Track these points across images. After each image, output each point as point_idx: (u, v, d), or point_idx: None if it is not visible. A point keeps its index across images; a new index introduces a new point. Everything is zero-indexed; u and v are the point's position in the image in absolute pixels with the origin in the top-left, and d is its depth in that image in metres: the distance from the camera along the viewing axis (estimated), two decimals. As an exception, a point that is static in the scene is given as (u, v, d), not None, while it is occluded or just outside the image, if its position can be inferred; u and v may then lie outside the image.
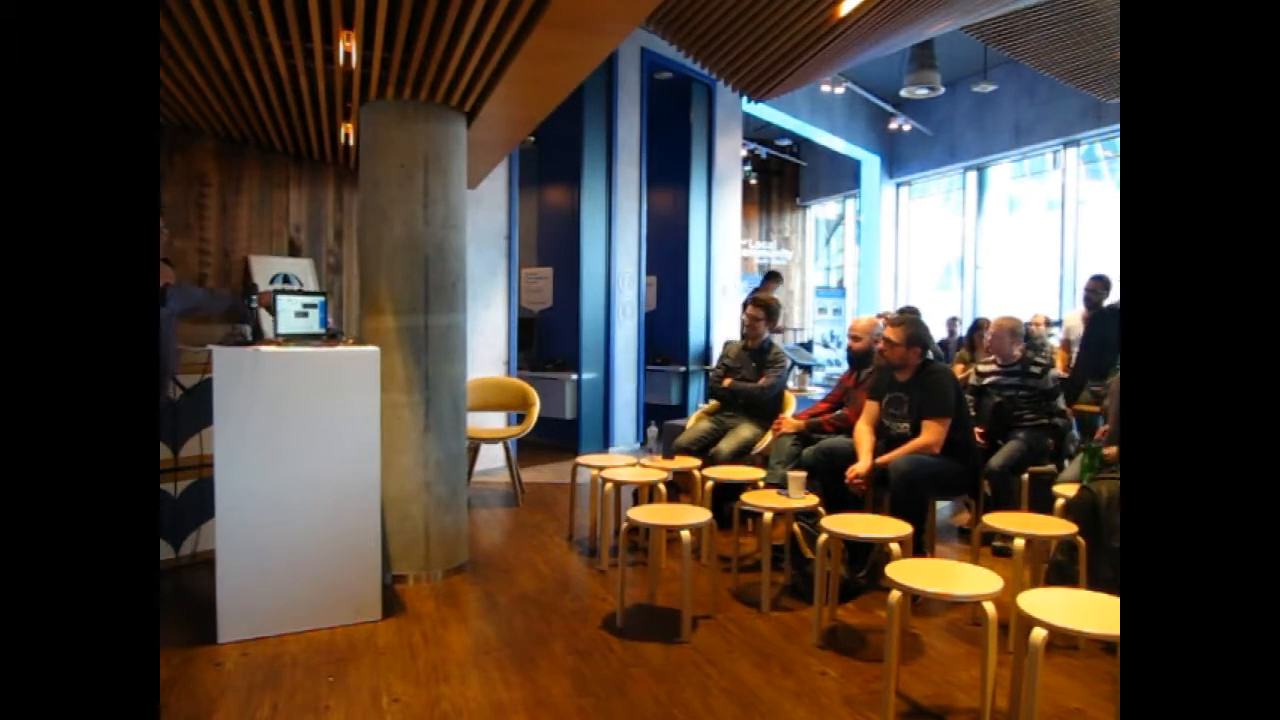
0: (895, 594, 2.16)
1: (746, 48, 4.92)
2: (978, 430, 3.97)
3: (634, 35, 6.26)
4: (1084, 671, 2.52)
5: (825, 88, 9.33)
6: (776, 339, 4.80)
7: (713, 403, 4.58)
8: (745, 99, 6.52)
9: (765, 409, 4.27)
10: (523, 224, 6.41)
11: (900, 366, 3.52)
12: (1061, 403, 4.05)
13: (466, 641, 2.77)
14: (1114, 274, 5.11)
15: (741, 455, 4.07)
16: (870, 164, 11.48)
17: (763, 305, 4.45)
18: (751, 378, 4.34)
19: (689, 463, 3.85)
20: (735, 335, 6.32)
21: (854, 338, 4.19)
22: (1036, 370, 4.01)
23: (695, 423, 4.46)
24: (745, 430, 4.19)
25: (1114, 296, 5.03)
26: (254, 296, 3.05)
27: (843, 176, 12.46)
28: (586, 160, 6.48)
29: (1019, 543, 2.63)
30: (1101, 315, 4.80)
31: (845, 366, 4.69)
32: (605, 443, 6.65)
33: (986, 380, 4.14)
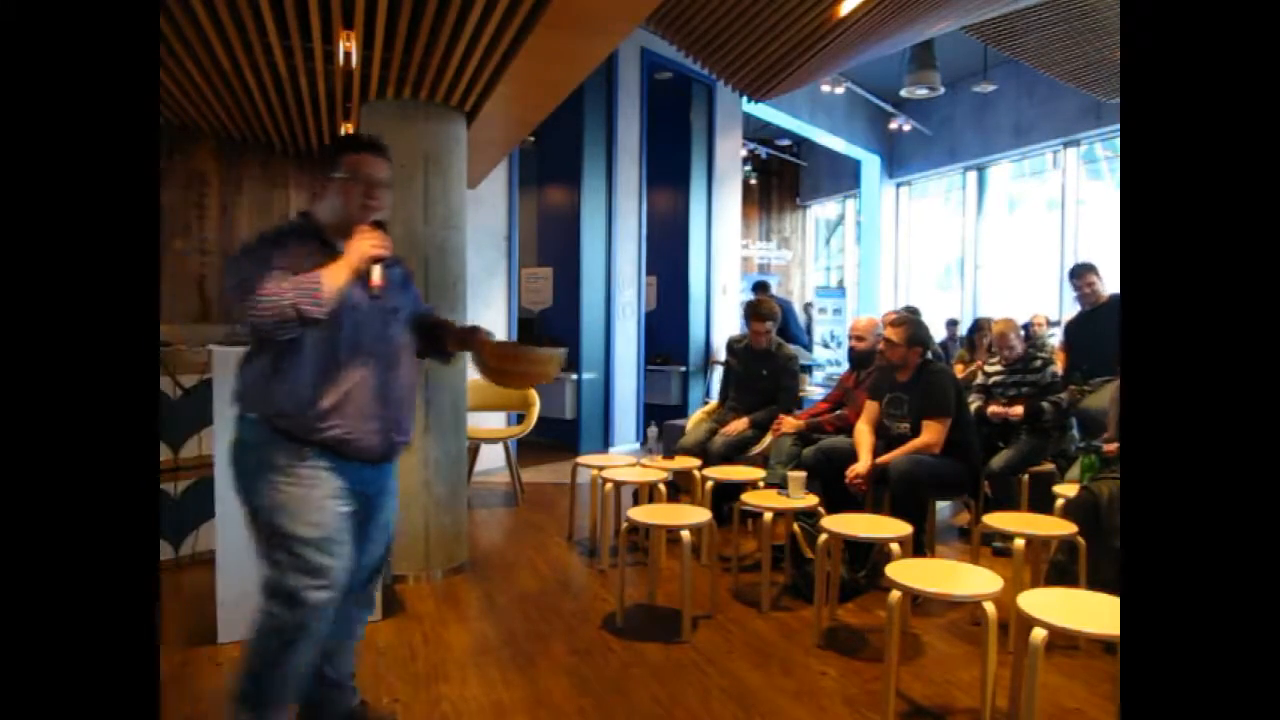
0: (895, 594, 2.16)
1: (746, 48, 4.93)
2: (995, 408, 3.96)
3: (634, 35, 6.26)
4: (1084, 671, 2.52)
5: (825, 88, 9.33)
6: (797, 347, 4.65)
7: (712, 403, 4.56)
8: (745, 99, 6.52)
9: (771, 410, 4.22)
10: (523, 224, 6.40)
11: (900, 366, 3.52)
12: (1064, 396, 4.01)
13: (466, 641, 2.77)
14: (1111, 274, 5.02)
15: (736, 449, 4.05)
16: (870, 164, 11.48)
17: (766, 316, 4.29)
18: (762, 382, 4.26)
19: (689, 463, 3.85)
20: (734, 334, 6.32)
21: (858, 338, 4.15)
22: (1037, 364, 4.01)
23: (696, 424, 4.44)
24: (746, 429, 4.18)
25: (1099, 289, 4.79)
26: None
27: (843, 176, 12.46)
28: (586, 160, 6.48)
29: (1019, 543, 2.63)
30: (1080, 319, 4.65)
31: (844, 366, 4.66)
32: (605, 443, 6.65)
33: (992, 380, 4.15)
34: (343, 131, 4.09)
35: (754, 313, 4.35)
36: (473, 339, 1.98)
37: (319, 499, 1.74)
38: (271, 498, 1.71)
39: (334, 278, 1.65)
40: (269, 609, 1.73)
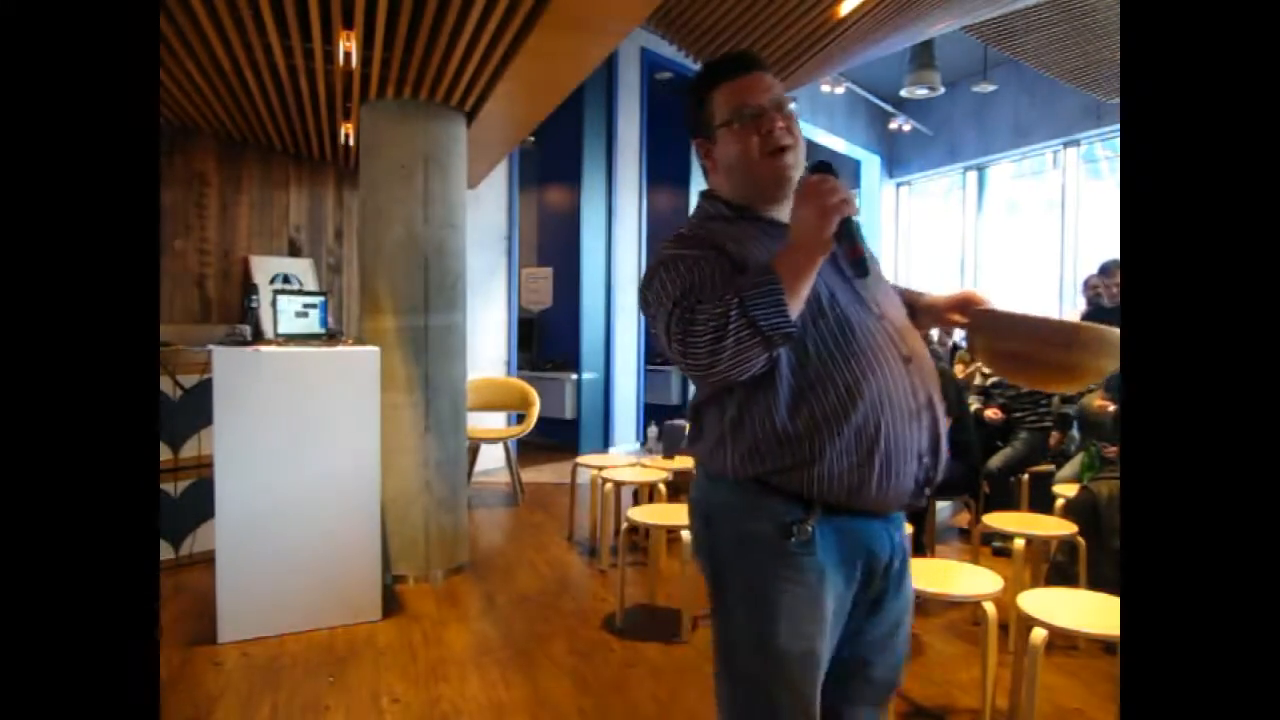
0: (895, 594, 2.16)
1: (746, 48, 4.92)
2: (991, 412, 3.97)
3: (634, 35, 6.26)
4: (1084, 671, 2.52)
5: (825, 88, 9.33)
6: None
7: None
8: (745, 99, 6.51)
9: None
10: (523, 224, 6.41)
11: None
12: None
13: (466, 642, 2.77)
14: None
15: None
16: (870, 164, 11.48)
17: None
18: None
19: (689, 462, 3.85)
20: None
21: None
22: None
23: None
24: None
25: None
26: (254, 296, 3.06)
27: (842, 176, 12.44)
28: (586, 160, 6.48)
29: (1019, 543, 2.63)
30: (1099, 316, 4.74)
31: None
32: (605, 443, 6.65)
33: (990, 380, 4.15)
34: (343, 132, 4.08)
35: None
36: (967, 309, 1.34)
37: (822, 600, 1.13)
38: (761, 592, 1.13)
39: (794, 264, 1.06)
40: None
